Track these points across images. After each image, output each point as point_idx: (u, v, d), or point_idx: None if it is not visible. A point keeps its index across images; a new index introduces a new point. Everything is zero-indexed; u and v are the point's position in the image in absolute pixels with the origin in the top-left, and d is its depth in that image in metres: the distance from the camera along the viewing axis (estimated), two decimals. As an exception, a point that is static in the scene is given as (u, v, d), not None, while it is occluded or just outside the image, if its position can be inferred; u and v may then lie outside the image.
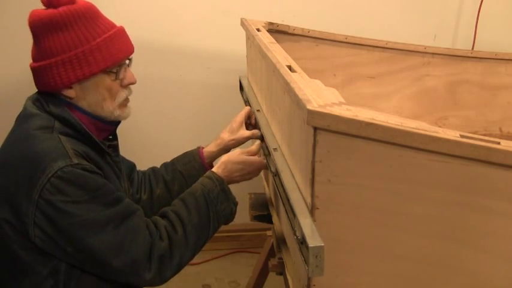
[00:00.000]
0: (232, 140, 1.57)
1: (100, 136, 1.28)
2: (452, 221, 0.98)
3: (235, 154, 1.41)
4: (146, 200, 1.53)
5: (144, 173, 1.58)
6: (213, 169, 1.39)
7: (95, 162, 1.20)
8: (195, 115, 2.55)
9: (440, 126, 1.74)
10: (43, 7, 1.23)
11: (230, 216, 1.35)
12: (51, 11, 1.19)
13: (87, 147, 1.20)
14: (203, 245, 1.29)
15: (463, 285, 1.06)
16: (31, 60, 1.25)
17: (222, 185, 1.33)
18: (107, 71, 1.23)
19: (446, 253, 1.02)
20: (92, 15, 1.22)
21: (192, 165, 1.55)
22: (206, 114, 2.53)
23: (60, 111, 1.21)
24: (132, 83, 1.30)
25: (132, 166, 1.57)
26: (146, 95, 2.48)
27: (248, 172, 1.40)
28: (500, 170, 0.93)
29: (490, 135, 2.18)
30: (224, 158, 1.41)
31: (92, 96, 1.24)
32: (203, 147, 1.59)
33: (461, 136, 0.91)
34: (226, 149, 1.56)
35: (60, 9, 1.19)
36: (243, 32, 1.95)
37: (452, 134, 0.91)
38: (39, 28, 1.20)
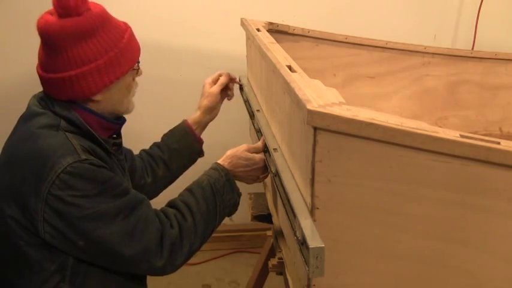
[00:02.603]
0: (206, 99, 1.64)
1: (105, 134, 1.29)
2: (452, 221, 0.98)
3: (240, 149, 1.42)
4: (151, 182, 1.57)
5: (140, 157, 1.61)
6: (219, 161, 1.40)
7: (101, 157, 1.21)
8: (195, 115, 2.55)
9: (440, 126, 1.73)
10: (45, 9, 1.20)
11: (234, 207, 1.37)
12: (76, 19, 1.16)
13: (92, 144, 1.21)
14: (210, 234, 1.31)
15: (463, 285, 1.06)
16: (41, 71, 1.22)
17: (227, 175, 1.35)
18: (133, 69, 1.27)
19: (446, 253, 1.02)
20: (108, 17, 1.23)
21: (185, 139, 1.62)
22: (206, 114, 2.53)
23: (66, 112, 1.20)
24: (140, 74, 1.34)
25: (132, 155, 1.58)
26: (146, 95, 2.46)
27: (252, 170, 1.41)
28: (500, 170, 0.93)
29: (490, 135, 2.18)
30: (230, 152, 1.42)
31: (116, 96, 1.26)
32: (187, 119, 1.65)
33: (461, 136, 0.91)
34: (206, 111, 1.65)
35: (87, 16, 1.17)
36: (243, 32, 1.95)
37: (452, 134, 0.91)
38: (65, 39, 1.16)
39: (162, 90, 2.52)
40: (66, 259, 1.17)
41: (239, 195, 1.38)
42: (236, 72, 2.12)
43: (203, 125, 1.66)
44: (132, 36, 1.27)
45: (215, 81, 1.67)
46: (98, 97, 1.23)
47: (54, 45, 1.17)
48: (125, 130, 1.45)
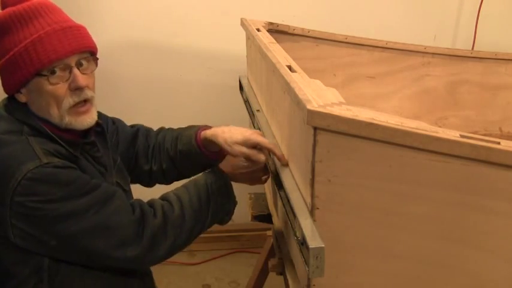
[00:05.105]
0: (226, 149, 1.34)
1: (71, 136, 1.23)
2: (452, 221, 0.98)
3: None
4: (157, 171, 1.51)
5: (154, 142, 1.51)
6: (219, 164, 1.38)
7: (67, 158, 1.18)
8: (195, 115, 2.54)
9: (440, 126, 1.74)
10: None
11: (228, 214, 1.34)
12: None
13: (57, 146, 1.18)
14: (198, 234, 1.28)
15: (463, 285, 1.06)
16: None
17: (225, 179, 1.33)
18: (41, 74, 1.15)
19: (446, 253, 1.02)
20: (33, 15, 1.17)
21: (190, 146, 1.44)
22: (206, 114, 2.52)
23: (26, 118, 1.19)
24: (78, 87, 1.18)
25: (133, 134, 1.52)
26: (146, 95, 2.48)
27: (252, 171, 1.38)
28: (500, 170, 0.93)
29: (490, 135, 2.18)
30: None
31: (38, 101, 1.19)
32: (203, 129, 1.44)
33: (461, 136, 0.91)
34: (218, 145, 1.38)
35: (9, 9, 1.17)
36: (243, 32, 1.95)
37: (452, 134, 0.91)
38: None
39: (162, 90, 2.52)
40: (41, 260, 1.16)
41: (235, 203, 1.35)
42: (236, 72, 2.12)
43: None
44: (45, 38, 1.15)
45: (248, 144, 1.31)
46: (20, 97, 1.20)
47: None
48: (124, 130, 1.44)
